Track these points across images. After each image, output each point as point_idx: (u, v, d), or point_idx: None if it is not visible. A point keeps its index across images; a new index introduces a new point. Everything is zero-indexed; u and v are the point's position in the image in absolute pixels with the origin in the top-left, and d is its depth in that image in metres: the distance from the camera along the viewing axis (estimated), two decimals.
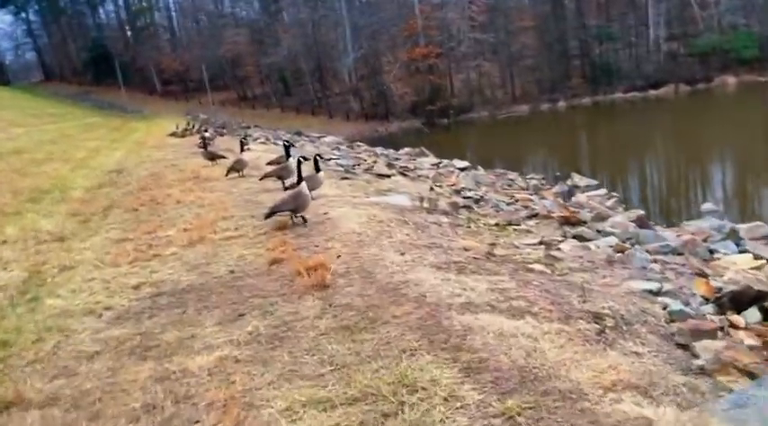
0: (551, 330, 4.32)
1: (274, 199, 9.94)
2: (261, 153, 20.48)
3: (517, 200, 14.20)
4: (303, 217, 8.09)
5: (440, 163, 27.54)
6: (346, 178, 14.11)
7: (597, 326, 4.62)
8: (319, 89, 73.47)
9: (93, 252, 7.95)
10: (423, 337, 4.19)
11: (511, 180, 20.72)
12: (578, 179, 24.00)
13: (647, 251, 8.33)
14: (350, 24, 64.96)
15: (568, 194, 20.58)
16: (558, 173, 28.50)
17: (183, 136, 28.54)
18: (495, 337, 4.09)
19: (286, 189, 9.97)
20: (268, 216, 7.98)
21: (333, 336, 4.39)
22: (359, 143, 42.71)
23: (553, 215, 10.99)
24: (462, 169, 26.75)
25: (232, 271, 6.38)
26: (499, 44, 62.23)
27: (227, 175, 13.23)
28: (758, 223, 15.17)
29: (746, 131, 32.99)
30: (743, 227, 14.75)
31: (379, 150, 31.77)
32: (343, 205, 9.10)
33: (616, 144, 38.36)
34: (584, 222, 10.62)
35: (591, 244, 8.33)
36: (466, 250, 7.00)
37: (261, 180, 11.66)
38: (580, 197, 19.21)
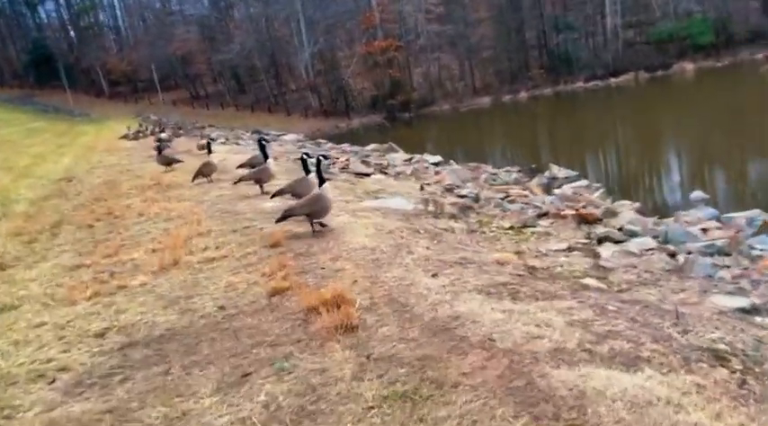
0: (685, 386, 3.17)
1: (255, 207, 8.61)
2: (224, 154, 18.99)
3: (513, 197, 13.13)
4: (321, 224, 6.85)
5: (411, 158, 26.43)
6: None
7: (726, 371, 3.51)
8: (275, 86, 71.50)
9: (41, 284, 6.47)
10: (520, 411, 2.98)
11: (493, 174, 19.69)
12: (557, 170, 23.17)
13: (691, 252, 7.34)
14: (305, 19, 63.16)
15: (548, 187, 19.76)
16: (534, 165, 27.75)
17: (135, 138, 26.65)
18: (628, 408, 2.91)
19: (276, 195, 8.62)
20: (281, 219, 6.84)
21: (388, 412, 3.14)
22: (321, 140, 41.31)
23: (563, 213, 9.94)
24: (435, 164, 25.74)
25: (222, 307, 5.05)
26: (457, 36, 61.42)
27: (193, 181, 11.79)
28: (756, 211, 14.56)
29: (710, 116, 32.92)
30: (739, 216, 14.06)
31: (346, 147, 30.43)
32: (339, 212, 7.81)
33: (583, 133, 37.92)
34: (601, 219, 9.60)
35: (630, 248, 7.28)
36: (501, 264, 5.83)
37: (235, 184, 10.28)
38: (565, 189, 18.35)
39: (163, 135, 21.86)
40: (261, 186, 10.11)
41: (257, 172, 10.10)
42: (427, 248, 6.13)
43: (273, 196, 8.50)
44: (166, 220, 8.73)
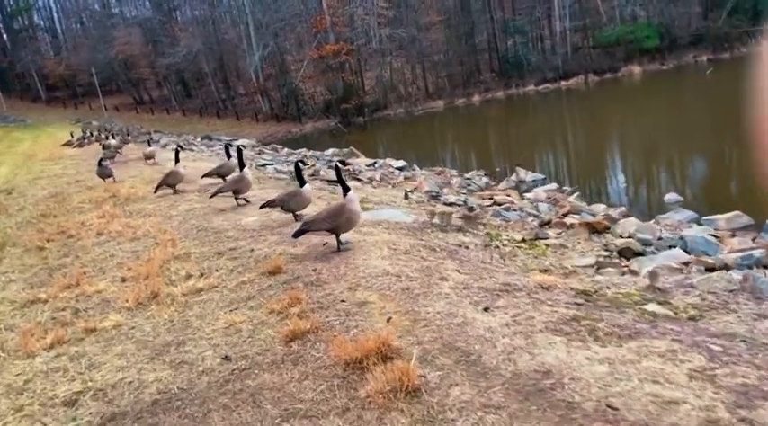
0: None
1: (236, 223, 7.55)
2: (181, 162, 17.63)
3: (500, 204, 12.39)
4: (340, 241, 5.92)
5: (375, 163, 25.58)
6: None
7: None
8: (223, 90, 69.56)
9: None
10: None
11: (467, 179, 18.96)
12: (524, 173, 22.74)
13: (728, 265, 6.70)
14: (253, 21, 61.52)
15: (518, 190, 19.27)
16: (498, 169, 27.32)
17: (80, 145, 24.85)
18: None
19: (266, 206, 7.59)
20: (298, 234, 5.88)
21: None
22: (276, 145, 39.99)
23: (567, 221, 9.24)
24: (401, 169, 25.01)
25: (227, 358, 4.02)
26: (409, 40, 60.96)
27: (156, 192, 10.56)
28: (736, 213, 14.28)
29: (663, 117, 33.33)
30: (721, 219, 13.76)
31: (306, 152, 29.29)
32: None
33: (539, 136, 37.93)
34: (609, 228, 8.93)
35: (666, 262, 6.58)
36: (546, 289, 4.99)
37: (212, 197, 9.12)
38: (538, 193, 17.87)
39: (112, 141, 20.25)
40: (237, 198, 9.03)
41: (235, 182, 9.02)
42: (457, 271, 5.23)
43: (263, 207, 7.46)
44: (132, 240, 7.56)
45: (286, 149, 32.66)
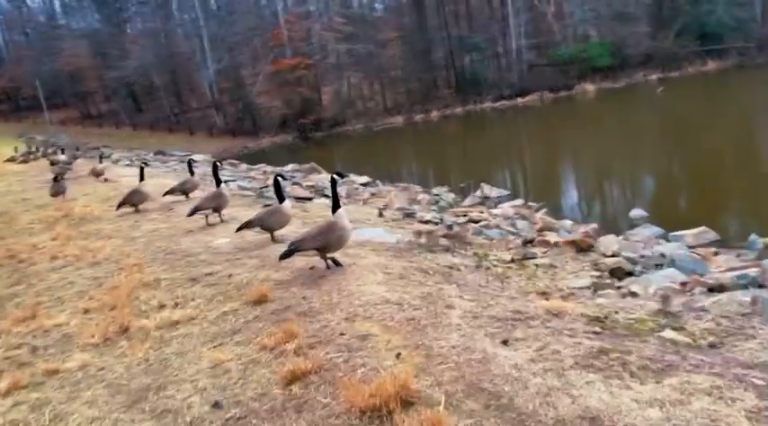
0: None
1: (207, 245, 7.02)
2: (134, 177, 16.79)
3: (476, 221, 12.11)
4: (335, 260, 5.54)
5: None
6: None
7: None
8: (176, 104, 67.94)
9: None
10: None
11: (436, 195, 18.69)
12: (488, 189, 22.61)
13: (724, 284, 6.52)
14: (208, 35, 60.47)
15: (485, 206, 19.11)
16: (463, 184, 27.22)
17: (25, 161, 23.61)
18: None
19: (244, 228, 7.08)
20: (286, 255, 5.45)
21: None
22: (232, 161, 39.07)
23: (549, 239, 8.99)
24: (364, 184, 24.62)
25: (217, 405, 3.51)
26: (367, 55, 60.98)
27: (118, 209, 9.86)
28: (703, 228, 14.39)
29: (619, 133, 33.95)
30: (688, 234, 13.83)
31: (266, 168, 28.62)
32: None
33: (499, 151, 38.22)
34: (593, 246, 8.72)
35: (663, 282, 6.35)
36: (557, 315, 4.65)
37: (190, 215, 8.45)
38: (505, 209, 17.67)
39: (62, 157, 19.19)
40: (210, 216, 8.51)
41: (215, 198, 8.49)
42: (460, 297, 4.84)
43: (240, 229, 6.95)
44: (92, 265, 6.91)
45: (244, 165, 31.85)
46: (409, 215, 11.52)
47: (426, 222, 10.86)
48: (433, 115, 56.88)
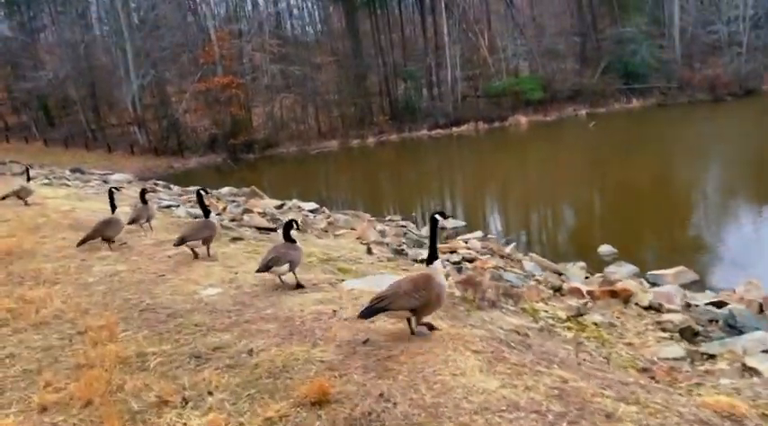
0: None
1: (194, 296, 5.40)
2: (65, 200, 14.54)
3: (469, 260, 10.85)
4: (431, 325, 4.33)
5: (283, 204, 23.39)
6: (238, 239, 9.55)
7: None
8: (93, 119, 63.66)
9: None
10: None
11: (402, 226, 17.39)
12: (443, 220, 21.50)
13: None
14: (132, 48, 57.16)
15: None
16: (414, 214, 26.09)
17: None
18: None
19: (265, 270, 5.60)
20: (369, 314, 4.19)
21: None
22: (157, 181, 36.38)
23: (578, 287, 7.86)
24: (312, 211, 23.10)
25: None
26: (302, 78, 59.61)
27: (80, 245, 7.87)
28: (681, 268, 13.85)
29: (557, 164, 34.15)
30: (667, 274, 13.23)
31: (201, 190, 26.24)
32: (345, 304, 4.92)
33: (440, 180, 37.73)
34: (632, 295, 7.65)
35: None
36: (737, 421, 3.41)
37: (177, 245, 6.97)
38: (473, 243, 16.58)
39: None
40: (197, 251, 6.96)
41: (206, 228, 7.01)
42: (602, 394, 3.50)
43: (262, 271, 5.45)
44: (38, 327, 5.09)
45: (176, 187, 29.44)
46: (399, 252, 10.13)
47: (421, 261, 9.51)
48: (369, 141, 56.02)
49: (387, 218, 22.45)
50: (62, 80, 60.25)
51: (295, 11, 74.76)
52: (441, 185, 36.24)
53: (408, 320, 4.23)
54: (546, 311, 6.33)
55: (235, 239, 9.48)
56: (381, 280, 6.56)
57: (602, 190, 27.37)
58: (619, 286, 7.85)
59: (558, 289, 7.79)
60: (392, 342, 4.14)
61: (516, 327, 5.22)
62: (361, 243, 10.84)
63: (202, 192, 8.14)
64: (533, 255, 12.92)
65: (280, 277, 5.75)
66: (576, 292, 7.63)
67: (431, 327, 4.32)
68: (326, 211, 23.45)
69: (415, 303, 4.05)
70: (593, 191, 27.63)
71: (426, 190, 34.39)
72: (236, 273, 6.39)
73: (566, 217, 24.38)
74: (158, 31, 59.11)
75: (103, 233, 7.86)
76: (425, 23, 65.11)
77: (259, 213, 17.32)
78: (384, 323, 4.53)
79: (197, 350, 4.28)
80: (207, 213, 7.68)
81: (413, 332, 4.21)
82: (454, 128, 56.00)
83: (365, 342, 4.17)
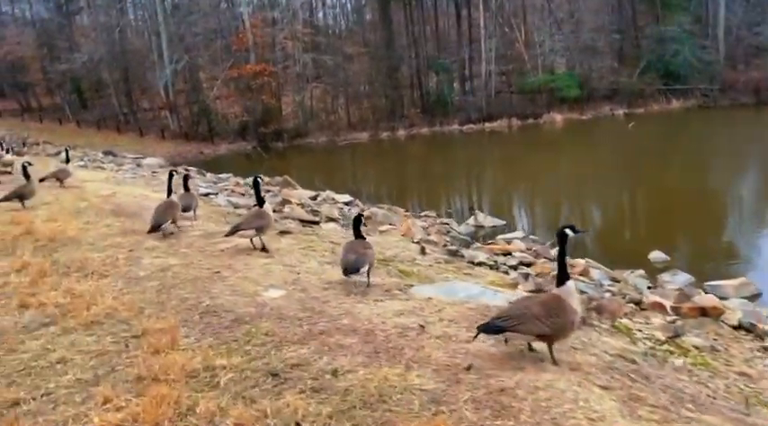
0: None
1: (256, 298, 4.89)
2: (104, 184, 14.17)
3: (526, 264, 10.21)
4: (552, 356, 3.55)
5: (317, 196, 22.90)
6: (286, 232, 9.04)
7: None
8: (126, 103, 63.93)
9: None
10: None
11: (445, 224, 16.77)
12: (482, 217, 20.92)
13: None
14: (167, 33, 57.14)
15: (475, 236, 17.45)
16: (450, 210, 25.38)
17: None
18: None
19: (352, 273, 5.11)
20: (491, 331, 3.77)
21: None
22: (187, 167, 36.20)
23: (658, 300, 7.20)
24: (347, 203, 22.57)
25: None
26: (334, 68, 59.05)
27: (150, 233, 7.41)
28: (743, 280, 12.99)
29: (599, 165, 32.98)
30: (727, 285, 12.43)
31: (239, 180, 26.02)
32: (430, 316, 4.34)
33: (474, 176, 36.88)
34: (723, 313, 6.97)
35: None
36: None
37: (229, 236, 6.65)
38: (517, 244, 15.87)
39: (7, 156, 16.16)
40: (259, 240, 6.52)
41: (258, 217, 6.60)
42: None
43: (348, 274, 5.01)
44: (89, 327, 4.60)
45: (209, 174, 29.10)
46: (453, 253, 9.53)
47: (479, 264, 8.91)
48: (399, 133, 55.31)
49: (422, 214, 21.81)
50: (96, 63, 60.50)
51: (328, 0, 74.27)
52: (474, 181, 35.43)
53: (529, 345, 3.66)
54: (640, 330, 5.71)
55: (282, 233, 8.97)
56: (453, 288, 6.01)
57: (646, 193, 26.31)
58: (708, 302, 7.16)
59: (637, 303, 7.15)
60: (500, 370, 3.56)
61: (620, 351, 4.61)
62: (413, 241, 10.26)
63: (259, 180, 7.66)
64: (590, 261, 12.20)
65: (361, 278, 5.28)
66: (657, 307, 6.99)
67: (553, 359, 3.70)
68: (360, 204, 22.93)
69: (546, 330, 3.49)
70: (637, 194, 26.65)
71: (459, 186, 33.66)
72: (299, 273, 5.86)
73: (609, 220, 23.42)
74: (192, 16, 59.02)
75: (174, 216, 7.52)
76: (460, 16, 64.06)
77: (297, 204, 16.84)
78: (483, 343, 3.95)
79: (273, 367, 3.74)
80: (261, 202, 7.23)
81: (554, 362, 3.64)
82: (486, 124, 54.98)
83: (468, 368, 3.59)
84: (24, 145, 26.11)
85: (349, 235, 10.75)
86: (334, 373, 3.61)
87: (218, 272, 5.88)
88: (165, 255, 6.57)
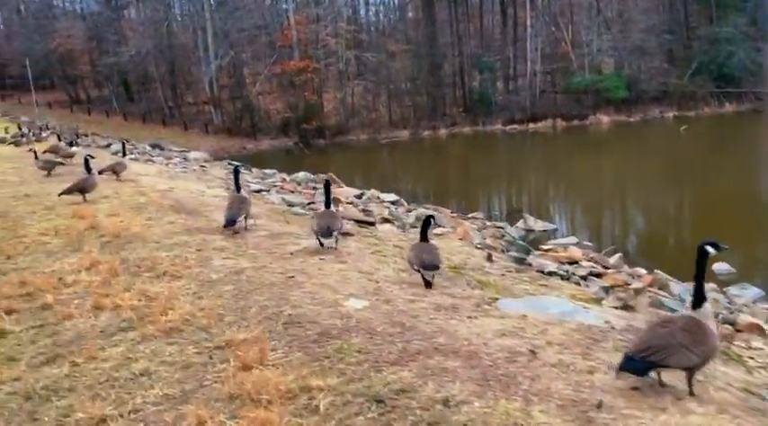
0: None
1: (338, 308, 4.57)
2: (158, 178, 14.11)
3: (597, 275, 9.71)
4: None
5: (362, 194, 22.58)
6: (346, 233, 8.73)
7: None
8: (171, 97, 64.87)
9: None
10: None
11: (499, 227, 16.29)
12: (533, 221, 20.25)
13: None
14: (213, 28, 57.69)
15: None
16: (497, 212, 24.81)
17: (17, 144, 20.69)
18: None
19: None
20: (634, 371, 3.45)
21: None
22: (231, 162, 36.35)
23: (759, 323, 6.66)
24: (393, 203, 22.19)
25: None
26: (376, 65, 58.81)
27: (225, 228, 7.30)
28: None
29: (652, 169, 31.86)
30: None
31: (285, 176, 25.94)
32: (536, 339, 3.95)
33: (519, 178, 36.03)
34: None
35: None
36: None
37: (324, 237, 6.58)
38: (573, 251, 15.22)
39: (61, 144, 16.31)
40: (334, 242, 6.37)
41: (332, 217, 6.43)
42: None
43: (428, 286, 4.68)
44: (168, 334, 4.35)
45: (255, 169, 29.13)
46: (521, 261, 9.10)
47: (551, 274, 8.47)
48: (441, 132, 54.80)
49: (469, 216, 21.31)
50: (143, 57, 61.56)
51: None
52: (518, 183, 34.67)
53: (659, 377, 3.26)
54: (752, 358, 5.23)
55: (343, 234, 8.68)
56: (543, 303, 5.60)
57: (703, 200, 25.24)
58: None
59: (731, 324, 6.63)
60: (637, 409, 3.16)
61: (744, 384, 4.16)
62: (476, 247, 9.86)
63: (329, 181, 7.45)
64: (658, 272, 11.60)
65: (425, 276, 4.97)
66: (754, 329, 6.46)
67: (691, 390, 3.30)
68: (406, 204, 22.55)
69: (696, 360, 3.12)
70: (692, 201, 25.59)
71: (503, 187, 33.00)
72: (377, 282, 5.54)
73: (664, 227, 22.49)
74: (237, 12, 59.46)
75: (248, 212, 7.41)
76: (506, 14, 63.13)
77: (347, 203, 16.59)
78: (603, 375, 3.55)
79: (375, 392, 3.41)
80: (329, 204, 7.03)
81: (692, 393, 3.25)
82: (530, 124, 54.04)
83: (599, 406, 3.20)
84: (78, 136, 26.44)
85: (408, 237, 10.43)
86: (446, 403, 3.26)
87: (293, 277, 5.60)
88: (234, 257, 6.32)
